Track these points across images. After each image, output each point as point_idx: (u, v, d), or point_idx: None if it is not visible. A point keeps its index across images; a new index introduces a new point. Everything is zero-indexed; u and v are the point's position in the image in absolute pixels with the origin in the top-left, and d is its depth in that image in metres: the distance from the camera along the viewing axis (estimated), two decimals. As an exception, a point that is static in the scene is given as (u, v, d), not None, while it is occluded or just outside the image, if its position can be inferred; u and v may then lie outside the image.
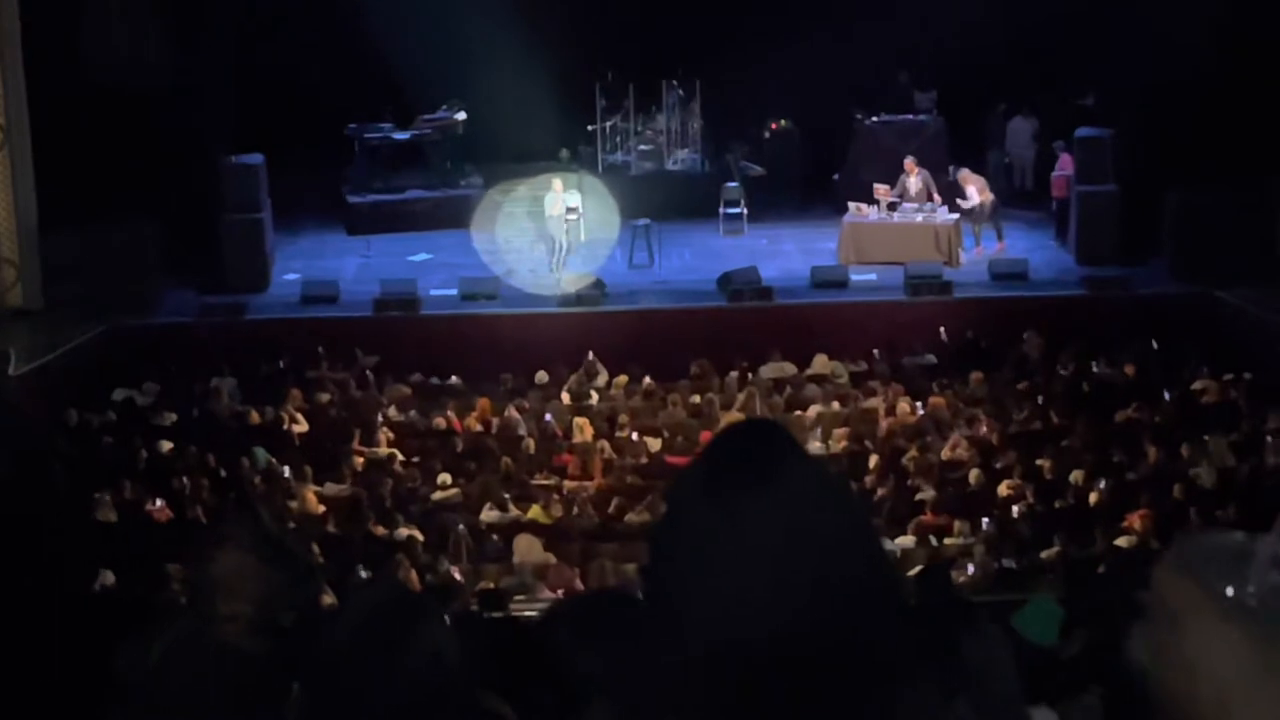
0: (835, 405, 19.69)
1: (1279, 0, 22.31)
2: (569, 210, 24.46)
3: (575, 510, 16.91)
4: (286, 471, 17.46)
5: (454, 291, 23.06)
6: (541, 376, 20.70)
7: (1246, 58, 22.12)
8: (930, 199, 24.43)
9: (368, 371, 21.06)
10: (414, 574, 14.43)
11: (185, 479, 16.85)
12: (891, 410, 19.44)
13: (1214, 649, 1.73)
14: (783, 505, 2.07)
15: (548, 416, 19.34)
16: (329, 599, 10.93)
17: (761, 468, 2.10)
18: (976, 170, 25.43)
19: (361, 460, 18.26)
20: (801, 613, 2.02)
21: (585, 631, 3.30)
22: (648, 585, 2.23)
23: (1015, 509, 16.09)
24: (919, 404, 19.58)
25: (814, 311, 22.45)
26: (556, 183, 24.60)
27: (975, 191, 24.49)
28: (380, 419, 19.47)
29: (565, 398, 20.28)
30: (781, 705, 2.02)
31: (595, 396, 20.42)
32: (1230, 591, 1.73)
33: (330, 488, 17.43)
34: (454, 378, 21.05)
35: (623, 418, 19.45)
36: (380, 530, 16.12)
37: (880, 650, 2.06)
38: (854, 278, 23.37)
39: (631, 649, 2.26)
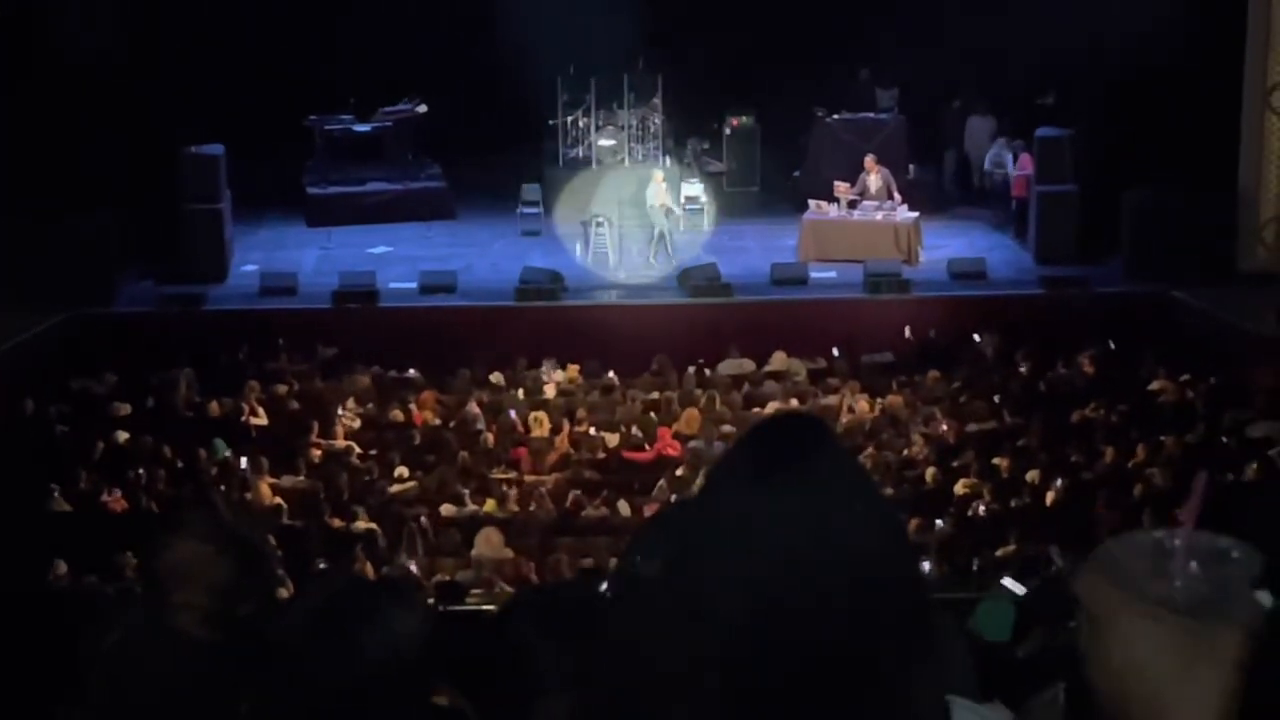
0: (794, 402, 19.68)
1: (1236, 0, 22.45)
2: (688, 200, 25.50)
3: (533, 504, 16.89)
4: (244, 463, 17.38)
5: (413, 284, 23.01)
6: (497, 378, 20.67)
7: (1205, 58, 22.21)
8: (890, 197, 24.45)
9: (326, 364, 20.99)
10: (369, 567, 14.40)
11: (142, 470, 16.76)
12: (850, 408, 19.47)
13: (1140, 647, 1.75)
14: (816, 501, 2.05)
15: (511, 412, 19.30)
16: (285, 592, 10.90)
17: (799, 462, 2.09)
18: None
19: (319, 452, 18.20)
20: (820, 612, 2.00)
21: (545, 624, 3.30)
22: (667, 570, 2.18)
23: (971, 508, 16.14)
24: (877, 402, 19.62)
25: (773, 308, 22.46)
26: (658, 174, 24.85)
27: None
28: (338, 411, 19.41)
29: (521, 393, 20.24)
30: (781, 700, 2.00)
31: (553, 391, 20.39)
32: (1155, 589, 1.75)
33: (287, 480, 17.37)
34: (413, 370, 21.00)
35: (580, 412, 19.44)
36: (337, 523, 16.07)
37: (891, 657, 2.05)
38: (813, 275, 23.37)
39: (593, 641, 2.24)
